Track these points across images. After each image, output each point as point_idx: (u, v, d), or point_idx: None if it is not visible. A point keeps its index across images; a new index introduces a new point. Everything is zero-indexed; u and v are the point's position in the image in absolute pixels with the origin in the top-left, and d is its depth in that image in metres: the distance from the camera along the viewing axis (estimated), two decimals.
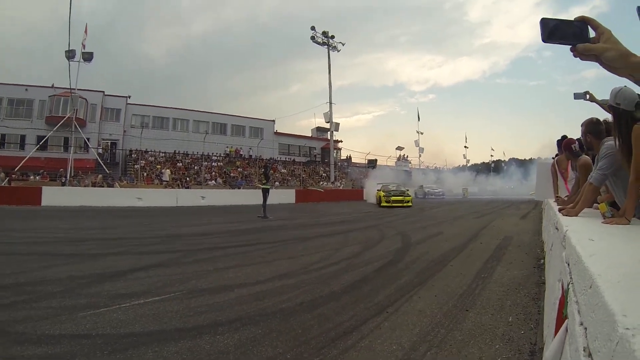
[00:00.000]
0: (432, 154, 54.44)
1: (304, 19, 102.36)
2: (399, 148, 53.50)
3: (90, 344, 3.51)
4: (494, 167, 78.17)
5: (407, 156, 54.81)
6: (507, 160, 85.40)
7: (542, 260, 6.90)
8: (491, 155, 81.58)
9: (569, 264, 1.77)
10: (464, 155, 69.33)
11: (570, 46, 1.28)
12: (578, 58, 1.30)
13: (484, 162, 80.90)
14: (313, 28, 37.87)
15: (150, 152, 37.81)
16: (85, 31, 29.79)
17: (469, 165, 69.37)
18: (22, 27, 76.99)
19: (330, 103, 38.68)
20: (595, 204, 4.19)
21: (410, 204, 25.02)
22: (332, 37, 39.00)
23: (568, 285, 1.68)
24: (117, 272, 6.34)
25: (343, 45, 39.93)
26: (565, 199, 6.07)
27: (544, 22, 1.27)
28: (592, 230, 2.54)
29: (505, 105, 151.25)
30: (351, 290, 5.36)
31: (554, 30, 1.27)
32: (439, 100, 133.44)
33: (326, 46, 38.88)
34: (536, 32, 1.24)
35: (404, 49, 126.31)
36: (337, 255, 7.93)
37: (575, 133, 5.14)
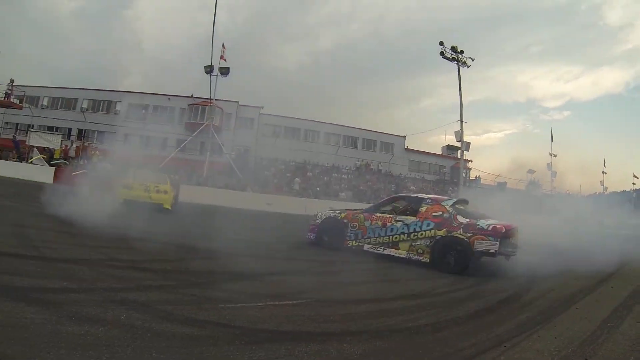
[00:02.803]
0: (565, 178, 48.31)
1: (430, 30, 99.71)
2: (530, 171, 49.33)
3: (231, 333, 3.97)
4: (636, 198, 67.95)
5: (538, 180, 50.20)
6: None
7: None
8: (633, 184, 70.95)
9: None
10: (601, 181, 61.16)
11: None
12: None
13: (624, 191, 70.40)
14: (442, 43, 37.04)
15: (280, 161, 40.05)
16: (223, 48, 33.04)
17: (606, 193, 60.81)
18: (165, 44, 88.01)
19: (462, 121, 37.46)
20: None
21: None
22: (462, 52, 37.52)
23: None
24: (252, 273, 6.95)
25: (473, 60, 38.29)
26: None
27: None
28: None
29: None
30: (473, 318, 5.37)
31: None
32: (575, 118, 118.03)
33: (455, 62, 37.66)
34: None
35: (536, 60, 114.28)
36: (463, 282, 7.84)
37: None
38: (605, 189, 62.08)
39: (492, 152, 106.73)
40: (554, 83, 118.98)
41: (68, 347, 3.19)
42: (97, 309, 4.12)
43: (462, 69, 38.07)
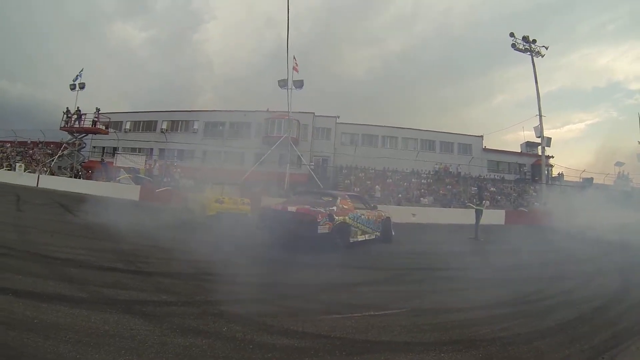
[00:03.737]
0: None
1: (495, 20, 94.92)
2: (619, 164, 45.24)
3: (330, 344, 4.03)
4: None
5: (628, 173, 45.72)
6: None
7: None
8: None
9: None
10: None
11: None
12: None
13: None
14: (512, 35, 35.56)
15: (360, 168, 40.12)
16: (295, 61, 33.74)
17: None
18: (236, 62, 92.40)
19: (540, 116, 35.66)
20: None
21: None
22: (534, 41, 35.74)
23: None
24: (343, 284, 7.05)
25: (547, 48, 36.27)
26: None
27: None
28: None
29: None
30: (566, 328, 5.17)
31: None
32: None
33: (529, 52, 35.87)
34: None
35: (614, 40, 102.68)
36: (551, 288, 7.52)
37: None
38: None
39: (574, 145, 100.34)
40: (636, 62, 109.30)
41: (175, 358, 3.35)
42: (198, 322, 4.32)
43: (536, 59, 36.48)
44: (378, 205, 15.77)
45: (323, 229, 10.10)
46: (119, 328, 3.89)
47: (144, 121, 46.25)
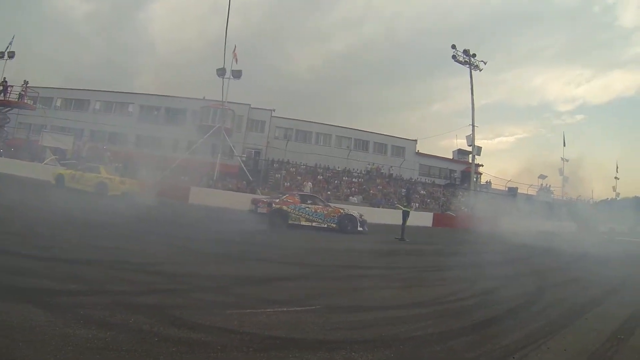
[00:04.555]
0: (577, 184, 46.06)
1: (442, 32, 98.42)
2: (542, 176, 48.88)
3: (239, 339, 3.97)
4: None
5: (550, 186, 49.67)
6: None
7: None
8: None
9: None
10: (613, 187, 59.63)
11: None
12: None
13: (636, 197, 68.48)
14: (454, 47, 37.45)
15: (292, 164, 40.18)
16: (234, 51, 33.13)
17: (618, 198, 58.85)
18: (178, 47, 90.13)
19: (473, 126, 37.45)
20: None
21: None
22: (474, 55, 37.78)
23: None
24: (262, 277, 7.00)
25: (485, 64, 38.54)
26: None
27: None
28: None
29: None
30: (481, 328, 5.32)
31: None
32: (588, 122, 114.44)
33: (468, 65, 37.84)
34: None
35: (549, 63, 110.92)
36: (470, 290, 7.77)
37: None
38: (618, 194, 60.96)
39: (503, 156, 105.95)
40: (566, 87, 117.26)
41: (75, 351, 3.22)
42: (105, 313, 4.15)
43: (475, 72, 38.34)
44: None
45: (262, 210, 16.00)
46: (19, 319, 3.67)
47: (76, 99, 43.77)
